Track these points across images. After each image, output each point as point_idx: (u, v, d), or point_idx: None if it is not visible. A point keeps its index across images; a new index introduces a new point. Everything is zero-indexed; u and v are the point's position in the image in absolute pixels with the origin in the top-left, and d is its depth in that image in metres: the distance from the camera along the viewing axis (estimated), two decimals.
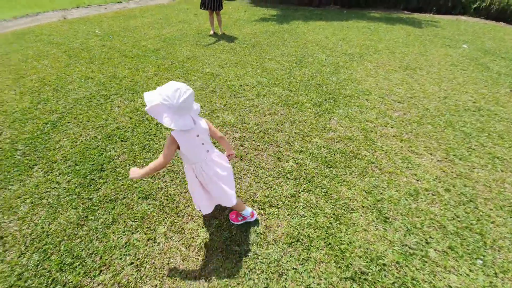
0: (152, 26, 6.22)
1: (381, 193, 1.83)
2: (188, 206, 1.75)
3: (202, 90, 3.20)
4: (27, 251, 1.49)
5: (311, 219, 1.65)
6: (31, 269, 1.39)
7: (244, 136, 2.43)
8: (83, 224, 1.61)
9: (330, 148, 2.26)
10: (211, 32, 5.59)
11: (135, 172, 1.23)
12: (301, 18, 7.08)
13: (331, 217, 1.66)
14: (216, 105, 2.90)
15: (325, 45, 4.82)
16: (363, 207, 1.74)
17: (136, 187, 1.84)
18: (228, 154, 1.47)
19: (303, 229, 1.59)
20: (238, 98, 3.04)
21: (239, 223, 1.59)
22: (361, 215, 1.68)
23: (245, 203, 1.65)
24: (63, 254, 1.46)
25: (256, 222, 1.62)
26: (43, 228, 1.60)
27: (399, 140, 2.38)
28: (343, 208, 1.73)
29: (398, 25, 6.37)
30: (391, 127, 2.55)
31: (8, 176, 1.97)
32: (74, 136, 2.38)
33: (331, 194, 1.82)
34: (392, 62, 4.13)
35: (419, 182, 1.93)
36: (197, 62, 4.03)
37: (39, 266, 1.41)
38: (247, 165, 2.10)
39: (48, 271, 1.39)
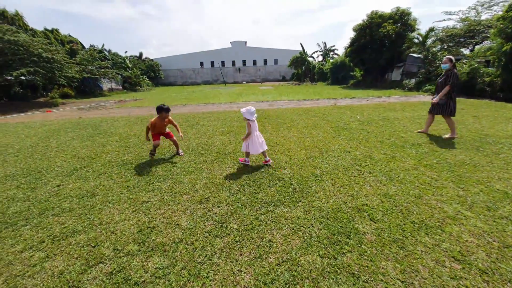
0: (413, 121, 6.36)
1: None
2: None
3: (488, 209, 2.42)
4: (281, 265, 1.87)
5: None
6: (275, 281, 1.71)
7: None
8: (325, 278, 1.74)
9: None
10: (421, 130, 5.20)
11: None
12: None
13: None
14: (510, 241, 2.00)
15: None
16: None
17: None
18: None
19: None
20: None
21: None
22: None
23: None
24: None
25: None
26: (296, 254, 1.96)
27: None
28: None
29: None
30: None
31: (284, 200, 2.77)
32: (329, 194, 2.86)
33: None
34: None
35: None
36: (478, 171, 3.29)
37: (286, 285, 1.70)
38: None
39: None
